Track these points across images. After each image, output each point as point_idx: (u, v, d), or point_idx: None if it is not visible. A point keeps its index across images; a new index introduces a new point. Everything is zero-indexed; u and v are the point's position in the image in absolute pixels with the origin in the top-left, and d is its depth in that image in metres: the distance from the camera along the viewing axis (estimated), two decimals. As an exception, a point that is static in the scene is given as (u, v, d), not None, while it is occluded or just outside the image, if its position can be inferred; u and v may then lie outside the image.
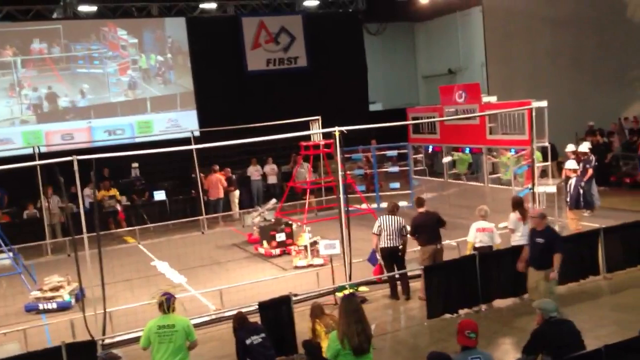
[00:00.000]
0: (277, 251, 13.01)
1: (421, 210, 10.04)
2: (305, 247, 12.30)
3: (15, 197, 17.39)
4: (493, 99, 14.87)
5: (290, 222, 13.61)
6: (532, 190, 11.87)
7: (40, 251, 15.16)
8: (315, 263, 11.94)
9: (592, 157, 14.57)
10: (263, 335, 7.30)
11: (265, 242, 13.25)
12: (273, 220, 13.97)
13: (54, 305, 10.57)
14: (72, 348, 6.98)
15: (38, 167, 13.84)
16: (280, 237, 13.07)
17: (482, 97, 14.81)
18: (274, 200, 15.36)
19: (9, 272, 12.12)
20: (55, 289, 10.85)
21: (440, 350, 7.40)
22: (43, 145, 17.74)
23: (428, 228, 9.81)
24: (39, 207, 16.31)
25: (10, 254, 12.27)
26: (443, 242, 10.03)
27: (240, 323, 7.33)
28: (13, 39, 19.22)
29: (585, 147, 14.65)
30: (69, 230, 9.60)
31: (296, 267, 12.01)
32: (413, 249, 10.25)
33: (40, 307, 10.58)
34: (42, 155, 14.88)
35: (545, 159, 12.91)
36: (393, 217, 9.93)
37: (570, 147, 14.30)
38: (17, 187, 16.36)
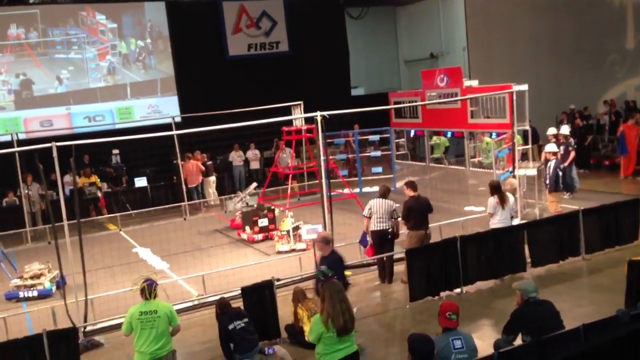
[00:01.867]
0: (260, 236, 13.02)
1: (413, 194, 9.94)
2: (288, 232, 12.32)
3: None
4: (474, 83, 14.92)
5: (272, 207, 13.60)
6: (512, 174, 11.99)
7: (21, 239, 15.01)
8: (298, 248, 11.97)
9: (572, 140, 14.73)
10: (246, 320, 7.30)
11: (247, 228, 13.25)
12: (255, 205, 13.96)
13: (35, 293, 10.49)
14: (53, 335, 6.95)
15: (16, 154, 13.65)
16: (263, 222, 13.07)
17: (464, 81, 14.85)
18: (254, 184, 15.34)
19: (-11, 261, 12.01)
20: (36, 276, 10.76)
21: (422, 332, 7.53)
22: (21, 132, 17.49)
23: (419, 213, 9.79)
24: (19, 194, 16.14)
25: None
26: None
27: (222, 308, 7.32)
28: (-12, 23, 18.87)
29: (566, 129, 14.79)
30: (49, 217, 9.51)
31: (279, 252, 12.03)
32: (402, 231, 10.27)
33: (21, 295, 10.50)
34: (21, 142, 14.67)
35: (525, 142, 13.01)
36: (384, 200, 9.93)
37: (552, 130, 14.43)
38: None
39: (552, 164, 12.13)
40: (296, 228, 12.35)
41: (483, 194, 11.81)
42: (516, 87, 12.13)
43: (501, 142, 13.19)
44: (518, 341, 6.11)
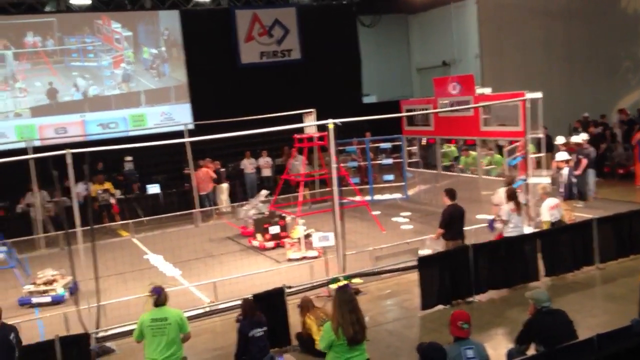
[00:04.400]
0: (271, 244, 13.01)
1: (451, 202, 9.76)
2: (299, 239, 12.31)
3: (9, 191, 17.32)
4: (487, 90, 14.89)
5: (284, 215, 13.60)
6: (525, 182, 11.92)
7: (34, 245, 15.12)
8: (309, 255, 11.95)
9: (591, 149, 14.57)
10: (265, 328, 7.36)
11: (259, 235, 13.25)
12: (267, 213, 13.96)
13: (48, 299, 10.56)
14: (65, 341, 6.99)
15: (31, 161, 13.78)
16: (274, 229, 13.06)
17: (476, 88, 14.82)
18: (265, 192, 15.34)
19: (2, 266, 12.10)
20: (49, 282, 10.83)
21: (433, 340, 7.48)
22: (36, 139, 17.66)
23: (457, 222, 9.68)
24: (28, 203, 16.28)
25: (4, 247, 12.24)
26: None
27: (248, 311, 7.36)
28: (6, 32, 19.07)
29: (579, 138, 14.70)
30: (62, 224, 9.58)
31: (290, 260, 12.02)
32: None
33: (34, 300, 10.56)
34: (36, 149, 14.82)
35: (539, 150, 12.94)
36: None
37: (560, 140, 14.35)
38: (10, 181, 16.28)
39: (564, 172, 12.05)
40: (307, 236, 12.34)
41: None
42: (529, 95, 12.08)
43: (514, 150, 13.14)
44: (531, 351, 6.06)
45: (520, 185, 11.89)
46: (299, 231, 12.50)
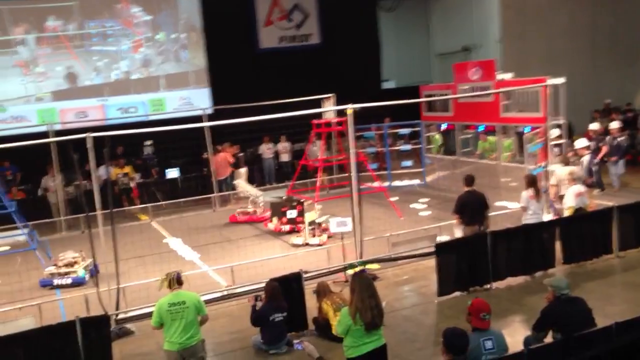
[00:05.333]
0: (287, 227, 13.00)
1: (468, 188, 9.79)
2: (311, 223, 12.31)
3: (31, 175, 17.57)
4: (508, 76, 14.70)
5: (302, 200, 13.58)
6: (545, 169, 11.80)
7: (55, 228, 15.33)
8: (311, 242, 11.94)
9: (622, 137, 14.27)
10: (285, 314, 7.43)
11: (275, 219, 13.26)
12: (284, 197, 13.95)
13: (69, 281, 10.71)
14: (86, 322, 7.08)
15: (52, 144, 13.93)
16: (292, 214, 13.00)
17: (497, 74, 14.64)
18: (260, 196, 15.21)
19: (24, 248, 12.28)
20: (70, 264, 10.98)
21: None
22: (57, 123, 17.83)
23: (473, 208, 9.66)
24: (43, 187, 16.49)
25: (25, 230, 12.41)
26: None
27: (272, 295, 7.44)
28: (27, 16, 19.21)
29: (596, 125, 14.50)
30: (83, 207, 9.69)
31: (293, 245, 12.03)
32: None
33: (55, 282, 10.73)
34: (57, 133, 14.98)
35: (559, 137, 12.77)
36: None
37: (594, 126, 14.14)
38: (32, 164, 16.50)
39: (585, 159, 11.90)
40: (312, 223, 12.33)
41: (515, 190, 11.66)
42: (551, 81, 11.91)
43: (535, 137, 12.99)
44: (549, 338, 6.03)
45: (540, 172, 11.77)
46: (313, 215, 12.48)
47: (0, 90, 19.02)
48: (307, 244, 11.95)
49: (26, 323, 7.72)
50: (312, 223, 12.35)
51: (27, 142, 9.21)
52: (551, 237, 9.50)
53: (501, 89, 13.89)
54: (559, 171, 10.92)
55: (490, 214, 9.98)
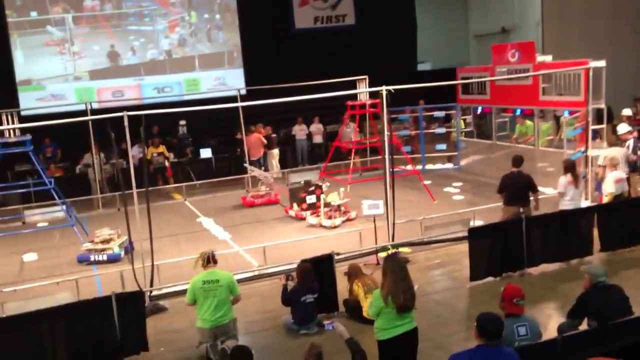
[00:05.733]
0: (308, 213, 12.87)
1: (513, 169, 9.84)
2: (327, 205, 12.29)
3: (69, 152, 17.93)
4: (548, 58, 14.38)
5: (320, 184, 13.48)
6: (584, 154, 11.54)
7: (92, 205, 15.64)
8: (324, 224, 11.95)
9: None
10: (316, 295, 7.48)
11: (295, 205, 13.15)
12: (303, 182, 13.71)
13: (105, 257, 10.93)
14: (121, 298, 7.21)
15: (90, 122, 14.16)
16: (311, 199, 12.80)
17: (537, 56, 14.32)
18: (270, 176, 15.09)
19: (63, 224, 12.57)
20: (106, 241, 11.20)
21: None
22: (95, 102, 18.12)
23: (514, 188, 9.68)
24: (85, 163, 16.83)
25: (64, 206, 12.69)
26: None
27: (305, 277, 7.51)
28: (65, -5, 19.51)
29: (628, 111, 14.08)
30: (119, 185, 9.85)
31: (310, 226, 12.12)
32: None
33: (92, 258, 10.96)
34: (94, 111, 15.22)
35: (600, 122, 12.46)
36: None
37: (627, 112, 13.77)
38: (70, 142, 16.83)
39: (630, 143, 11.59)
40: (327, 204, 12.31)
41: (552, 175, 11.45)
42: (593, 64, 11.58)
43: (574, 121, 12.70)
44: (583, 326, 5.93)
45: (579, 157, 11.52)
46: (333, 197, 12.43)
47: (39, 68, 19.39)
48: (320, 225, 11.96)
49: (64, 297, 7.90)
50: (327, 205, 12.30)
51: (65, 120, 9.38)
52: (589, 224, 9.30)
53: (540, 72, 13.58)
54: (605, 153, 10.73)
55: (539, 197, 9.89)
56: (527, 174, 9.83)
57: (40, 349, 6.79)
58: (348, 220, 12.21)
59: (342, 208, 12.40)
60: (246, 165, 15.26)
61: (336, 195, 12.52)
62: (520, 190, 9.66)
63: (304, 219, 12.69)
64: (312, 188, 12.97)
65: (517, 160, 9.88)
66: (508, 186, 9.70)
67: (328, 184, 13.42)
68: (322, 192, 12.80)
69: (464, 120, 17.25)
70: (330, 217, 12.13)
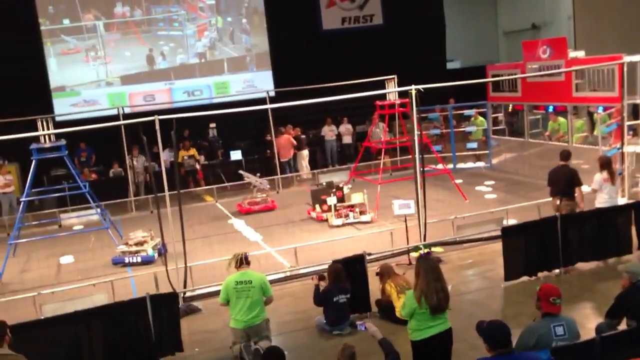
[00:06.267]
0: (331, 214, 12.71)
1: (560, 162, 9.89)
2: (350, 206, 12.33)
3: (102, 156, 18.24)
4: (580, 54, 14.13)
5: (342, 185, 13.40)
6: (620, 150, 11.30)
7: (126, 208, 15.86)
8: (334, 223, 12.05)
9: None
10: (348, 295, 7.47)
11: (317, 206, 13.09)
12: (325, 184, 13.72)
13: (139, 259, 11.08)
14: (156, 299, 7.30)
15: (122, 126, 14.38)
16: (332, 200, 12.69)
17: (569, 52, 14.08)
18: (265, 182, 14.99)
19: (98, 227, 12.78)
20: (140, 243, 11.35)
21: (516, 313, 7.31)
22: (127, 106, 18.40)
23: (556, 181, 9.81)
24: (124, 166, 17.06)
25: (98, 210, 12.90)
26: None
27: (336, 277, 7.52)
28: (96, 3, 19.82)
29: None
30: (152, 188, 9.97)
31: (332, 227, 12.17)
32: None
33: (126, 260, 11.12)
34: (126, 116, 15.44)
35: (635, 117, 12.19)
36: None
37: None
38: (103, 146, 17.12)
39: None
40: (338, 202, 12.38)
41: (587, 172, 11.23)
42: (627, 58, 11.34)
43: (608, 117, 12.45)
44: (622, 326, 5.79)
45: (615, 154, 11.28)
46: (355, 198, 12.49)
47: (72, 75, 19.78)
48: (331, 225, 12.10)
49: (100, 299, 8.04)
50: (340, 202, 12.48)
51: (99, 124, 9.54)
52: (627, 222, 9.10)
53: (573, 67, 13.35)
54: None
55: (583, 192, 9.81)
56: (572, 169, 9.85)
57: (77, 350, 6.91)
58: (361, 222, 12.14)
59: (357, 209, 12.38)
60: (241, 172, 14.84)
61: (361, 195, 12.49)
62: (563, 183, 9.67)
63: (325, 220, 12.68)
64: (334, 190, 12.98)
65: (565, 155, 9.90)
66: (552, 179, 9.88)
67: (350, 185, 13.39)
68: (343, 195, 12.83)
69: (480, 116, 16.90)
70: (340, 216, 12.18)
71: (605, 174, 9.44)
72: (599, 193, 9.55)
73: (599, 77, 12.93)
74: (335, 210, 12.54)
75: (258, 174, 15.09)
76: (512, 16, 25.60)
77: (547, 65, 14.40)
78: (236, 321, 6.99)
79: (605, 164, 9.54)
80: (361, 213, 12.36)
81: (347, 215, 12.29)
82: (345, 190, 13.19)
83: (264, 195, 14.70)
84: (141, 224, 12.96)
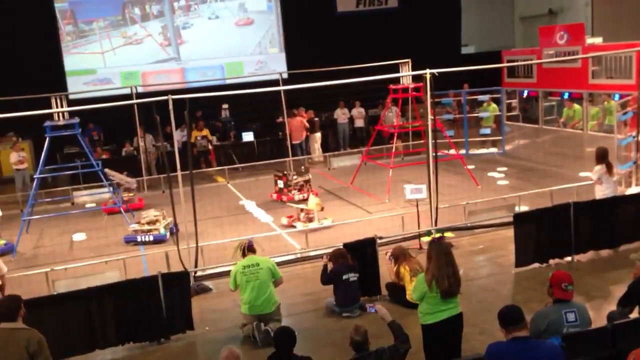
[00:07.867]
0: (284, 198, 13.07)
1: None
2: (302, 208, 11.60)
3: (115, 135, 18.30)
4: (598, 40, 13.95)
5: (293, 175, 13.62)
6: (635, 139, 11.19)
7: (137, 187, 15.91)
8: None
9: None
10: (358, 275, 7.49)
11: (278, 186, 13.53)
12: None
13: (151, 238, 11.15)
14: (167, 278, 7.36)
15: (135, 105, 14.40)
16: (280, 184, 13.32)
17: (586, 38, 13.90)
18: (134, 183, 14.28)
19: (110, 206, 12.86)
20: (152, 222, 11.42)
21: (527, 299, 7.30)
22: (140, 85, 18.40)
23: None
24: (135, 146, 17.13)
25: (111, 188, 12.97)
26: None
27: (339, 258, 7.58)
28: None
29: None
30: (164, 168, 10.00)
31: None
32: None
33: (139, 239, 11.20)
34: (139, 95, 15.46)
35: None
36: None
37: None
38: (116, 125, 17.15)
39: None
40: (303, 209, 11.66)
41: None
42: (646, 45, 11.19)
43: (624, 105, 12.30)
44: (635, 314, 5.77)
45: (630, 142, 11.17)
46: (311, 201, 11.56)
47: (86, 57, 19.77)
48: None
49: (112, 276, 8.12)
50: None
51: (113, 103, 9.57)
52: (639, 210, 9.03)
53: (590, 54, 13.18)
54: None
55: (577, 184, 9.79)
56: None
57: (90, 326, 6.99)
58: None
59: (304, 214, 11.49)
60: (107, 170, 13.28)
61: (314, 203, 11.36)
62: None
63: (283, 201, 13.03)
64: (283, 173, 13.51)
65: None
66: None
67: (295, 174, 13.47)
68: (287, 180, 13.22)
69: (493, 102, 16.70)
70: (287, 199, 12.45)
71: (603, 167, 9.32)
72: (598, 185, 9.44)
73: (616, 65, 12.76)
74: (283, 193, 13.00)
75: (125, 173, 14.47)
76: (529, 1, 25.27)
77: (564, 51, 14.23)
78: (248, 307, 7.02)
79: (603, 155, 9.38)
80: (309, 220, 11.34)
81: (294, 218, 11.58)
82: (290, 177, 13.38)
83: (131, 194, 14.01)
84: (153, 203, 13.01)
